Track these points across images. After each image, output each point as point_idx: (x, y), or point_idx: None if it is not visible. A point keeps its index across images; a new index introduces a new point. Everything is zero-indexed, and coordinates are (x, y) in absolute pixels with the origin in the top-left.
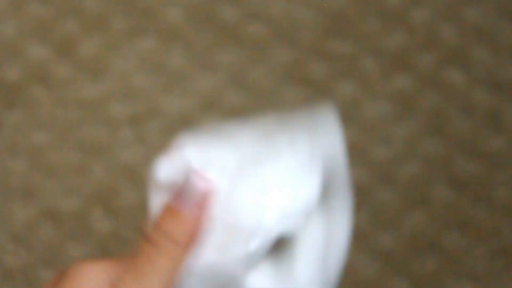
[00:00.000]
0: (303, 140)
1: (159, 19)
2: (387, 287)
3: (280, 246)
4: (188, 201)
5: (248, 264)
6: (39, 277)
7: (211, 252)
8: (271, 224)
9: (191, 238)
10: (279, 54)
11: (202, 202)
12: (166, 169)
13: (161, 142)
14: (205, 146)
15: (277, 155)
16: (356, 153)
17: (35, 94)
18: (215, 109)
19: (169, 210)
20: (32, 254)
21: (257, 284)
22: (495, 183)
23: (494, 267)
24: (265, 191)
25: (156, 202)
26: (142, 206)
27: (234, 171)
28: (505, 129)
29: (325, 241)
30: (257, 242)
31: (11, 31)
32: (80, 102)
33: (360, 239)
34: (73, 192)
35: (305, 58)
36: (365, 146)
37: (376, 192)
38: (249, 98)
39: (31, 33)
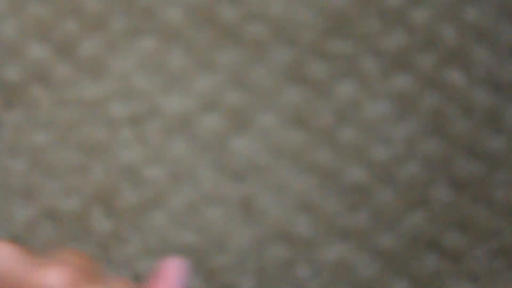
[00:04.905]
0: None
1: (159, 19)
2: (387, 287)
3: None
4: None
5: None
6: None
7: None
8: None
9: None
10: (279, 54)
11: None
12: None
13: (161, 142)
14: None
15: None
16: (356, 153)
17: (35, 94)
18: (215, 109)
19: None
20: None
21: None
22: (495, 183)
23: (494, 267)
24: None
25: None
26: (142, 206)
27: None
28: (505, 129)
29: None
30: None
31: (11, 31)
32: (80, 102)
33: (360, 239)
34: (73, 192)
35: (305, 58)
36: (365, 146)
37: (376, 192)
38: (249, 98)
39: (31, 33)
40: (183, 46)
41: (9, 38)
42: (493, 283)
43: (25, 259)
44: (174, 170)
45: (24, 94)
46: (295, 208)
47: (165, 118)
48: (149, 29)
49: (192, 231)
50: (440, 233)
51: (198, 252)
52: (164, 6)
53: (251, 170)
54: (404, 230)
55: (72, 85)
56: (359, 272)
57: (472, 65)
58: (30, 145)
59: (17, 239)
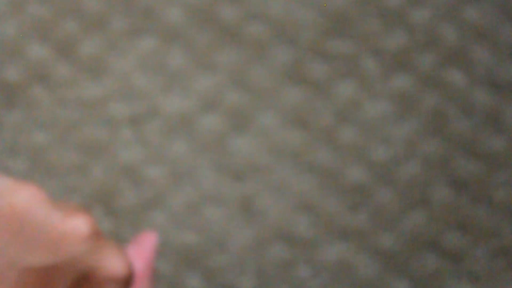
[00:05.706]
0: None
1: (159, 19)
2: (387, 287)
3: None
4: None
5: None
6: None
7: None
8: None
9: None
10: (279, 54)
11: None
12: None
13: (161, 142)
14: None
15: None
16: (356, 153)
17: (35, 94)
18: (215, 109)
19: None
20: None
21: None
22: (495, 183)
23: (494, 267)
24: None
25: None
26: (142, 206)
27: None
28: (505, 129)
29: None
30: None
31: (11, 31)
32: (80, 102)
33: (360, 239)
34: (73, 192)
35: (305, 58)
36: (365, 146)
37: (376, 192)
38: (249, 98)
39: (31, 33)
40: (183, 46)
41: (9, 38)
42: (493, 283)
43: (51, 203)
44: (174, 170)
45: (24, 94)
46: (295, 208)
47: (165, 118)
48: (149, 29)
49: (192, 231)
50: (440, 233)
51: (198, 252)
52: (164, 6)
53: (251, 170)
54: (404, 230)
55: (72, 85)
56: (359, 272)
57: (472, 65)
58: (30, 145)
59: None
